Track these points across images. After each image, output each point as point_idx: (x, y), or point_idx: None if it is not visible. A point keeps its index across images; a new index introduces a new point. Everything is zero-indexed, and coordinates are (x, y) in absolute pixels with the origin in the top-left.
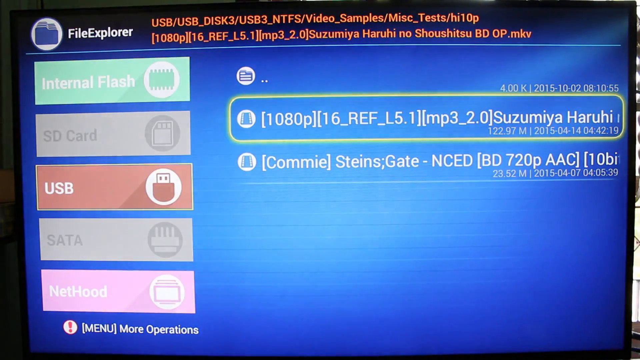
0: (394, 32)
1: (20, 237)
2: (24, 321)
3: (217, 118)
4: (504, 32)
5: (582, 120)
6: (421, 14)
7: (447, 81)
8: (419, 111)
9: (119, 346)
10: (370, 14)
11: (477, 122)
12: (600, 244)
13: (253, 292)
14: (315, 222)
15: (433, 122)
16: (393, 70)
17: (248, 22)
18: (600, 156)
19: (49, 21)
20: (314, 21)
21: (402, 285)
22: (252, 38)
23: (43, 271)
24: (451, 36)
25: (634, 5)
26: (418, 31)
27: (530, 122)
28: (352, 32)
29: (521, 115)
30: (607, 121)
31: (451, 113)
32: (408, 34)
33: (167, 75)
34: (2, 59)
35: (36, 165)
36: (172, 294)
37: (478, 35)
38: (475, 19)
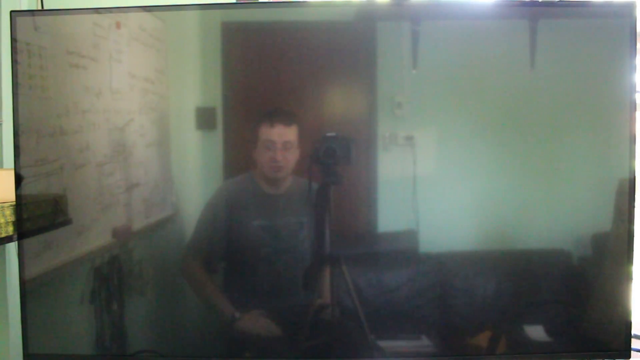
0: None
1: (20, 237)
2: (24, 321)
3: None
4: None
5: None
6: None
7: None
8: None
9: None
10: None
11: None
12: (601, 242)
13: None
14: None
15: None
16: None
17: None
18: None
19: None
20: None
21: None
22: None
23: None
24: None
25: (634, 5)
26: None
27: None
28: None
29: None
30: None
31: None
32: None
33: None
34: (1, 59)
35: None
36: None
37: None
38: None
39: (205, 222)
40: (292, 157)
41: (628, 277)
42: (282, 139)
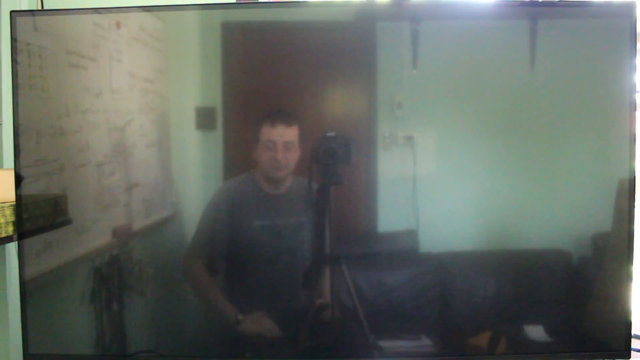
0: None
1: (20, 237)
2: (24, 321)
3: None
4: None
5: None
6: None
7: None
8: None
9: None
10: None
11: None
12: (601, 242)
13: None
14: None
15: None
16: None
17: None
18: None
19: None
20: None
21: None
22: None
23: None
24: None
25: (634, 5)
26: None
27: None
28: None
29: None
30: None
31: None
32: None
33: None
34: (1, 59)
35: None
36: None
37: None
38: None
39: (207, 222)
40: (292, 157)
41: (628, 277)
42: (283, 139)
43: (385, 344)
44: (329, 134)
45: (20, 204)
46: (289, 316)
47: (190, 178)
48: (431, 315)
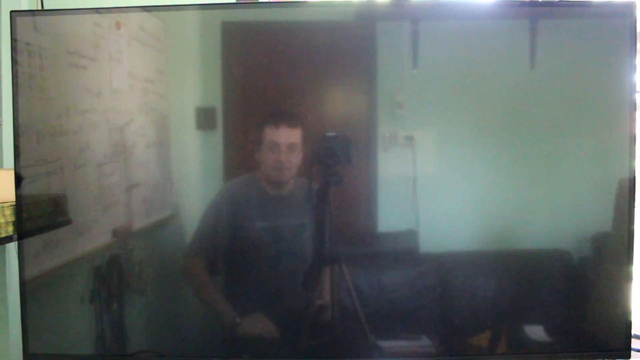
0: None
1: (20, 237)
2: (24, 321)
3: None
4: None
5: None
6: None
7: None
8: None
9: None
10: None
11: None
12: (601, 242)
13: None
14: None
15: None
16: None
17: None
18: None
19: None
20: None
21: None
22: None
23: None
24: None
25: (634, 5)
26: None
27: None
28: None
29: None
30: None
31: None
32: None
33: None
34: (1, 59)
35: None
36: None
37: None
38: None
39: (208, 222)
40: (296, 159)
41: (628, 277)
42: (287, 141)
43: (385, 344)
44: (329, 134)
45: (20, 204)
46: (289, 317)
47: (190, 178)
48: (431, 316)
